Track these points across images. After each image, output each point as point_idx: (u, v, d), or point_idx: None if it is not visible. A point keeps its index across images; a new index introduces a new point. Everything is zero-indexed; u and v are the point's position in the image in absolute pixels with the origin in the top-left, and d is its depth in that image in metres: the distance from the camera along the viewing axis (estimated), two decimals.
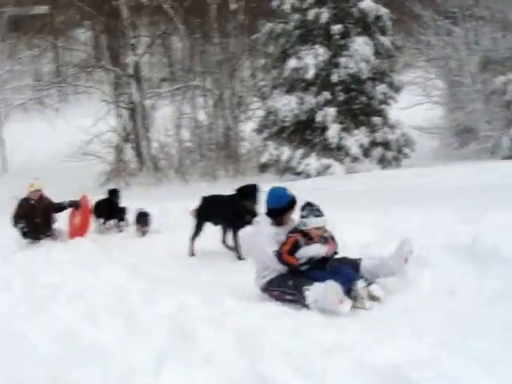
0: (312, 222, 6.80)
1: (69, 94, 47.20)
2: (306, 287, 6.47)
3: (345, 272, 6.62)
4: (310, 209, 6.88)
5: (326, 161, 21.82)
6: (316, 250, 6.73)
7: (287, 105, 22.14)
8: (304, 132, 22.62)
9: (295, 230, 6.90)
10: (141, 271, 9.21)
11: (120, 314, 6.94)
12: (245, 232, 9.34)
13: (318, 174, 21.49)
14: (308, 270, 6.75)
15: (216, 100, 26.73)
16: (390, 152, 22.77)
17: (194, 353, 5.68)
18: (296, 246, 6.73)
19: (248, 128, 26.08)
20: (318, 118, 22.06)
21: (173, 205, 15.07)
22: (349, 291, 6.41)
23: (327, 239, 6.89)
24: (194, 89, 27.56)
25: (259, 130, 24.03)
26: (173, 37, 38.28)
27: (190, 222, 10.60)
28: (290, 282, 6.72)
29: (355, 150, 22.04)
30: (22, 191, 24.03)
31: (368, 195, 13.69)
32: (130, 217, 13.05)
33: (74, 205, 12.41)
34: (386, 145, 22.69)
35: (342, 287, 6.28)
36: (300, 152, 22.13)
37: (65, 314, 7.19)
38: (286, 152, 22.10)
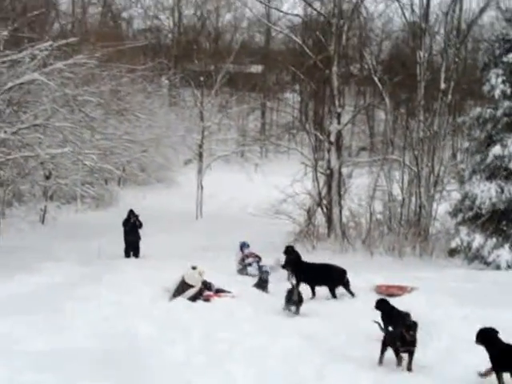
0: None
1: (270, 151, 49.06)
2: None
3: None
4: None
5: None
6: None
7: (486, 192, 21.52)
8: (500, 222, 21.81)
9: None
10: (315, 343, 9.41)
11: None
12: None
13: (509, 267, 20.66)
14: None
15: (413, 176, 26.60)
16: None
17: None
18: None
19: (441, 209, 25.63)
20: None
21: (357, 277, 15.29)
22: None
23: None
24: (391, 162, 27.60)
25: (453, 214, 23.48)
26: (377, 108, 38.94)
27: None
28: None
29: None
30: (212, 235, 25.39)
31: None
32: None
33: None
34: None
35: None
36: (492, 241, 21.40)
37: (239, 372, 7.55)
38: (477, 239, 21.45)
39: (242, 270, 18.37)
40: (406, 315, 9.52)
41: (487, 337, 8.03)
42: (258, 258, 18.61)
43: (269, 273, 15.25)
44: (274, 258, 17.36)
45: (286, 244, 19.32)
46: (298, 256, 16.48)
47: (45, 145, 21.13)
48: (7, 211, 26.64)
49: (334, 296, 14.28)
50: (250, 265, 18.27)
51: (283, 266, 15.49)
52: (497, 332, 8.11)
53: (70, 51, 20.91)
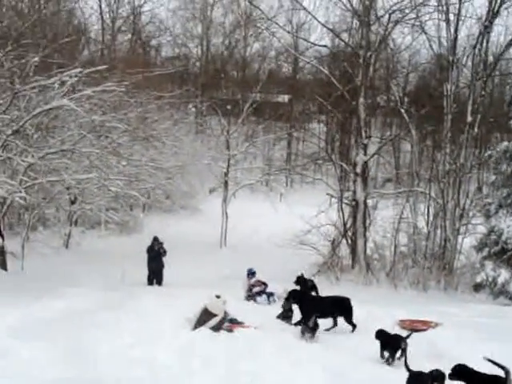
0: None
1: (295, 181, 48.96)
2: None
3: None
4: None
5: None
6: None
7: None
8: None
9: None
10: (339, 377, 9.25)
11: None
12: None
13: None
14: None
15: (438, 209, 26.37)
16: None
17: None
18: None
19: (466, 242, 25.36)
20: None
21: (380, 311, 15.10)
22: None
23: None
24: (417, 194, 27.39)
25: (478, 248, 23.24)
26: (403, 140, 38.77)
27: None
28: None
29: None
30: (237, 265, 25.28)
31: None
32: None
33: None
34: None
35: None
36: None
37: None
38: (503, 275, 21.21)
39: (249, 297, 18.63)
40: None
41: (463, 372, 8.06)
42: (265, 286, 18.86)
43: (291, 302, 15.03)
44: (282, 287, 17.18)
45: (297, 274, 19.30)
46: (305, 285, 17.59)
47: (71, 170, 21.31)
48: (32, 235, 26.80)
49: (353, 326, 14.03)
50: (258, 294, 18.56)
51: (287, 299, 15.17)
52: (470, 368, 8.15)
53: (98, 78, 21.16)
